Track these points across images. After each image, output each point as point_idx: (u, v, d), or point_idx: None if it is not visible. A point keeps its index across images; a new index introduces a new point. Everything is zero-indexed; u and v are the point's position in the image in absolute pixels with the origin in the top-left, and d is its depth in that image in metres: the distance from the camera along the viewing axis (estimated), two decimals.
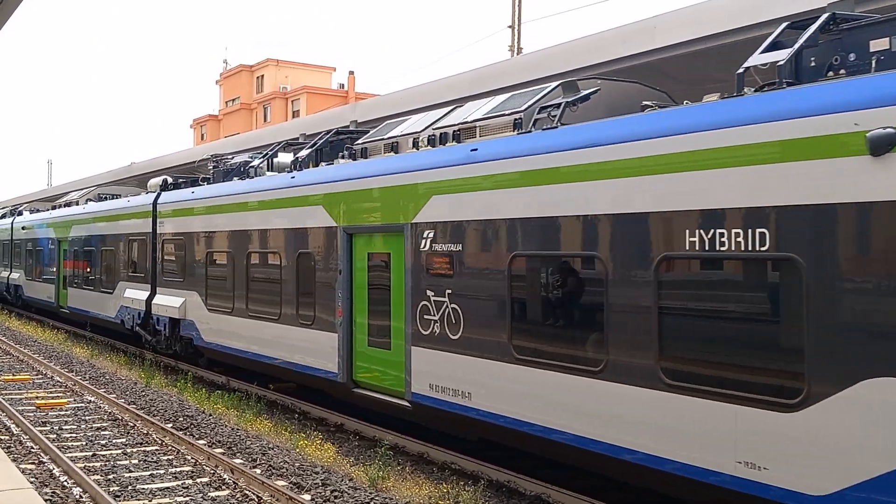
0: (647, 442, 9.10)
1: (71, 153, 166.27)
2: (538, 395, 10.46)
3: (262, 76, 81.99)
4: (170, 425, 15.04)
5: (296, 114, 74.23)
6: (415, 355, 12.61)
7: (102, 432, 14.84)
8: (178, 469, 12.35)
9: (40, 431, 14.47)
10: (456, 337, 11.80)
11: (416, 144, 13.51)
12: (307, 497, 10.82)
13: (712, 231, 8.40)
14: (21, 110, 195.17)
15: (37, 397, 18.19)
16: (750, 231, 8.07)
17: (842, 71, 8.40)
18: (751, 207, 8.04)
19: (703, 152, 8.48)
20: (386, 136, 14.42)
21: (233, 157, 21.13)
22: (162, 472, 12.17)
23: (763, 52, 8.95)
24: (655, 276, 8.98)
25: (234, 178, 19.54)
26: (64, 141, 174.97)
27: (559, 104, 11.05)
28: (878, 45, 8.21)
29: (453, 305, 11.87)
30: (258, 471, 12.07)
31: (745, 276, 8.33)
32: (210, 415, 16.09)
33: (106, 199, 30.62)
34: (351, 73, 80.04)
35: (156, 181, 24.18)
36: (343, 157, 15.50)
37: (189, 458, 12.94)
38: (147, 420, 15.27)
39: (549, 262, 10.51)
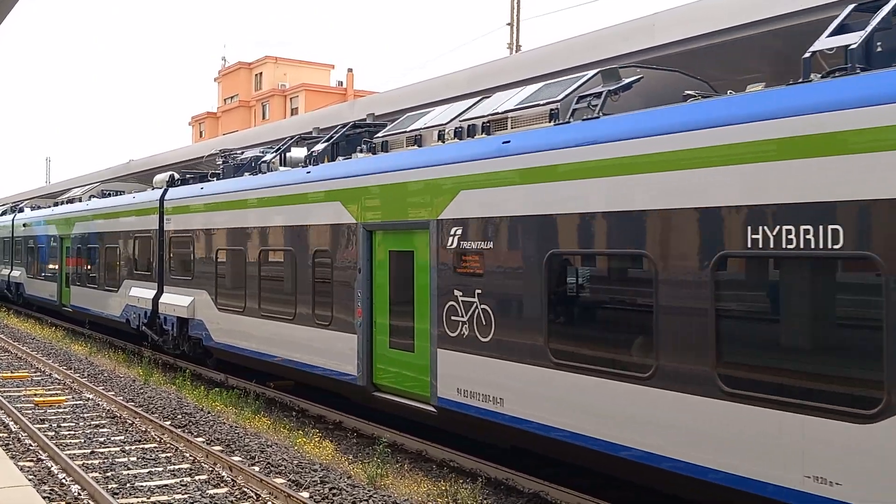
0: (701, 453, 8.43)
1: (69, 150, 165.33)
2: (578, 402, 9.78)
3: (261, 73, 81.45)
4: (168, 423, 14.87)
5: (294, 111, 73.66)
6: (441, 358, 11.91)
7: (101, 430, 14.66)
8: (176, 466, 12.19)
9: (38, 429, 14.26)
10: (486, 339, 11.12)
11: (441, 137, 12.78)
12: (306, 495, 10.67)
13: (779, 228, 7.73)
14: (19, 107, 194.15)
15: (35, 394, 17.95)
16: (821, 228, 7.40)
17: None
18: (825, 202, 7.37)
19: (779, 142, 7.78)
20: (408, 129, 13.68)
21: (242, 153, 20.37)
22: (160, 469, 12.02)
23: (830, 35, 8.32)
24: (712, 275, 8.31)
25: (245, 174, 18.75)
26: (62, 138, 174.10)
27: (600, 93, 10.38)
28: None
29: (483, 306, 11.20)
30: (256, 468, 11.93)
31: (816, 276, 7.62)
32: (208, 412, 15.88)
33: (109, 195, 29.77)
34: (349, 70, 79.72)
35: (162, 177, 23.36)
36: (361, 152, 14.79)
37: (187, 455, 12.76)
38: (145, 417, 15.08)
39: (591, 261, 9.82)
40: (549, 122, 10.92)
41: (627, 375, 9.21)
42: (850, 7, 8.51)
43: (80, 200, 31.25)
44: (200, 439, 13.78)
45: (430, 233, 12.15)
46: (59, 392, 18.34)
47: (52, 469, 12.04)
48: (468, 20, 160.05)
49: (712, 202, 8.31)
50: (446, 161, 11.93)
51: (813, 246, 7.46)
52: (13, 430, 14.45)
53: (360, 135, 15.81)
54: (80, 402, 17.18)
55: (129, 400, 17.13)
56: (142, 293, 22.85)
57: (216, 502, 10.62)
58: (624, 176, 9.21)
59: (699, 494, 8.74)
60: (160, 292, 21.85)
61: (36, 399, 17.24)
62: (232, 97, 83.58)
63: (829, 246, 7.35)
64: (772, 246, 7.79)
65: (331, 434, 14.69)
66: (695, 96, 9.91)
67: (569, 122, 10.42)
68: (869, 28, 7.98)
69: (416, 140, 13.38)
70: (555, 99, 11.00)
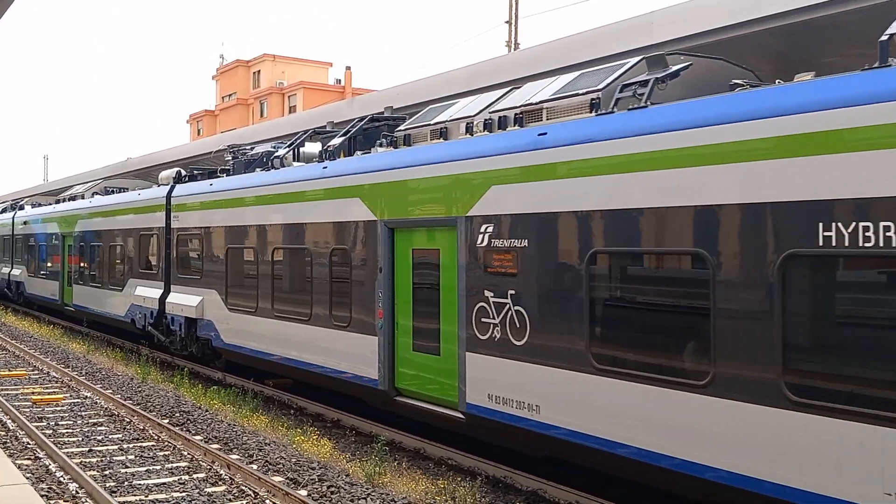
0: (764, 467, 7.76)
1: (67, 148, 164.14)
2: (623, 411, 9.08)
3: (259, 71, 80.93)
4: (166, 421, 14.69)
5: (292, 109, 73.21)
6: (470, 362, 11.22)
7: (99, 428, 14.48)
8: (174, 465, 12.09)
9: (36, 427, 14.11)
10: (521, 343, 10.45)
11: (469, 130, 12.05)
12: (304, 493, 10.54)
13: (854, 224, 7.10)
14: (17, 105, 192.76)
15: (33, 393, 17.72)
16: None
17: None
18: None
19: (855, 132, 7.10)
20: (432, 122, 12.95)
21: (252, 148, 19.59)
22: (158, 467, 11.90)
23: None
24: (779, 276, 7.67)
25: (257, 170, 17.97)
26: (60, 136, 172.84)
27: (645, 81, 9.72)
28: None
29: (517, 308, 10.52)
30: (255, 466, 11.80)
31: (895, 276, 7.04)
32: (206, 410, 15.71)
33: (112, 192, 28.90)
34: (348, 68, 79.21)
35: (168, 173, 22.50)
36: (381, 146, 14.10)
37: (185, 453, 12.63)
38: (143, 416, 14.90)
39: (639, 260, 9.11)
40: (590, 112, 10.22)
41: (680, 383, 8.53)
42: None
43: (83, 198, 30.33)
44: (198, 437, 13.59)
45: (457, 230, 11.46)
46: (56, 390, 18.09)
47: (50, 467, 11.86)
48: (466, 19, 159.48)
49: (778, 197, 7.66)
50: (476, 155, 11.24)
51: (894, 244, 6.83)
52: (11, 428, 14.22)
53: (378, 128, 15.11)
54: (78, 400, 16.95)
55: (127, 398, 16.89)
56: (148, 292, 22.01)
57: (214, 500, 10.47)
58: (678, 169, 8.50)
59: None
60: (167, 292, 21.03)
61: (34, 397, 16.96)
62: (230, 95, 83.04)
63: None
64: (846, 244, 7.15)
65: (329, 432, 14.49)
66: (743, 85, 9.28)
67: (613, 112, 9.75)
68: None
69: (442, 133, 12.66)
70: (595, 88, 10.31)
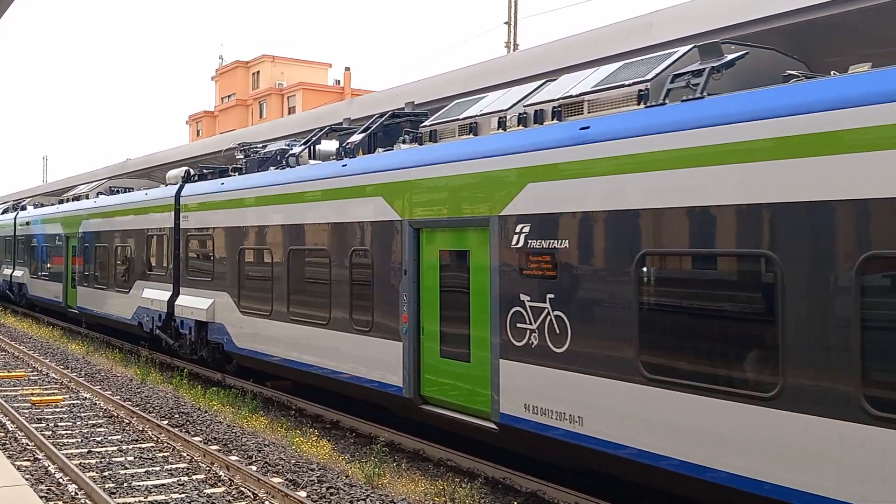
0: (837, 485, 7.09)
1: (66, 149, 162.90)
2: (676, 423, 8.42)
3: (258, 72, 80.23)
4: (165, 422, 14.53)
5: (291, 110, 72.58)
6: (504, 370, 10.51)
7: (98, 429, 14.34)
8: (173, 466, 11.97)
9: (36, 428, 13.95)
10: (561, 350, 9.77)
11: (502, 124, 11.35)
12: (303, 494, 10.43)
13: None
14: (16, 106, 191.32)
15: (32, 394, 17.55)
16: None
17: None
18: None
19: None
20: (461, 117, 12.22)
21: (265, 146, 18.85)
22: (157, 468, 11.80)
23: None
24: (858, 279, 7.03)
25: (271, 168, 17.20)
26: (59, 137, 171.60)
27: (699, 70, 9.06)
28: None
29: (557, 312, 9.84)
30: (254, 468, 11.69)
31: None
32: (206, 412, 15.54)
33: (117, 192, 28.02)
34: (347, 69, 78.50)
35: (176, 172, 21.65)
36: (404, 142, 13.39)
37: (184, 454, 12.50)
38: (142, 417, 14.73)
39: (696, 262, 8.40)
40: (638, 104, 9.54)
41: (743, 395, 7.86)
42: None
43: (87, 198, 29.43)
44: (197, 438, 13.44)
45: (490, 230, 10.78)
46: (56, 391, 17.89)
47: (50, 468, 11.74)
48: (465, 19, 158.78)
49: (857, 195, 7.01)
50: (510, 151, 10.56)
51: None
52: (10, 429, 14.06)
53: (399, 125, 14.40)
54: (78, 401, 16.76)
55: (127, 399, 16.69)
56: (156, 295, 21.19)
57: (213, 501, 10.35)
58: (741, 164, 7.83)
59: None
60: (176, 294, 20.23)
61: (33, 398, 16.76)
62: (229, 96, 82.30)
63: None
64: None
65: (328, 433, 14.34)
66: (798, 76, 8.65)
67: (664, 104, 9.09)
68: None
69: (471, 128, 11.94)
70: (644, 78, 9.60)
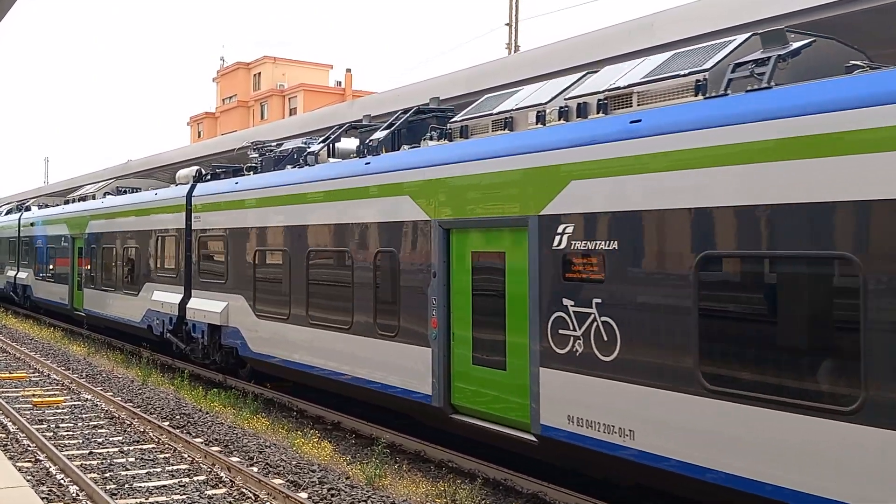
0: None
1: (67, 150, 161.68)
2: (740, 438, 7.71)
3: (259, 74, 79.50)
4: (166, 423, 14.45)
5: (293, 111, 71.87)
6: (545, 379, 9.79)
7: (99, 430, 14.23)
8: (174, 467, 11.90)
9: (37, 429, 13.85)
10: (609, 358, 9.07)
11: (541, 119, 10.63)
12: (304, 495, 10.36)
13: None
14: (18, 107, 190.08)
15: (33, 395, 17.40)
16: None
17: None
18: None
19: None
20: (495, 111, 11.50)
21: (281, 144, 18.04)
22: (158, 470, 11.70)
23: None
24: None
25: (287, 167, 16.40)
26: (60, 138, 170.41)
27: (763, 59, 8.35)
28: None
29: (605, 318, 9.14)
30: (255, 469, 11.61)
31: None
32: (207, 413, 15.42)
33: (125, 192, 27.19)
34: (348, 70, 77.66)
35: (187, 172, 20.83)
36: (432, 139, 12.69)
37: (186, 456, 12.41)
38: (144, 418, 14.62)
39: (763, 265, 7.69)
40: (696, 95, 8.84)
41: (818, 409, 7.18)
42: None
43: (94, 198, 28.54)
44: (199, 440, 13.34)
45: (528, 231, 10.07)
46: (57, 392, 17.74)
47: (51, 469, 11.67)
48: (466, 21, 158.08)
49: None
50: (551, 146, 9.85)
51: None
52: (11, 430, 13.95)
53: (425, 121, 13.68)
54: (79, 402, 16.63)
55: (128, 400, 16.58)
56: (166, 297, 20.38)
57: (214, 503, 10.27)
58: (822, 159, 7.15)
59: None
60: (187, 297, 19.42)
61: (34, 399, 16.61)
62: (230, 97, 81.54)
63: None
64: None
65: (329, 434, 14.22)
66: (862, 67, 7.97)
67: (727, 95, 8.41)
68: None
69: (507, 123, 11.22)
70: (701, 68, 8.88)
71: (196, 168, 20.75)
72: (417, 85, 20.37)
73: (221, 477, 11.28)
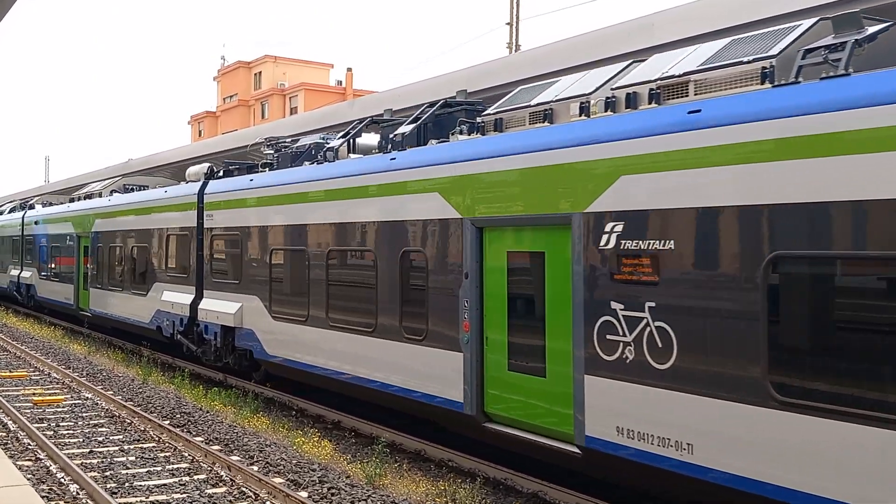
0: None
1: (68, 149, 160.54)
2: (818, 454, 7.01)
3: (260, 73, 78.78)
4: (167, 422, 14.31)
5: (293, 111, 71.21)
6: (590, 387, 9.08)
7: (99, 429, 14.11)
8: (174, 466, 11.79)
9: (37, 428, 13.72)
10: (664, 366, 8.36)
11: (584, 110, 9.92)
12: (304, 494, 10.26)
13: None
14: (18, 106, 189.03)
15: (34, 394, 17.21)
16: None
17: None
18: None
19: None
20: (532, 103, 10.77)
21: (297, 140, 17.24)
22: (159, 468, 11.61)
23: None
24: None
25: (305, 163, 15.64)
26: (61, 137, 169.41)
27: (840, 44, 7.69)
28: None
29: (659, 323, 8.43)
30: (255, 468, 11.52)
31: None
32: (207, 411, 15.26)
33: (132, 190, 26.36)
34: (349, 69, 76.99)
35: (197, 169, 20.03)
36: (461, 133, 11.95)
37: (186, 454, 12.29)
38: (144, 417, 14.48)
39: (844, 267, 6.99)
40: (762, 83, 8.13)
41: None
42: None
43: (100, 196, 27.65)
44: (199, 438, 13.22)
45: (572, 229, 9.35)
46: (57, 391, 17.54)
47: (51, 468, 11.57)
48: (467, 20, 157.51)
49: None
50: (598, 139, 9.14)
51: None
52: (12, 429, 13.83)
53: (453, 114, 12.96)
54: (79, 401, 16.45)
55: (128, 399, 16.42)
56: (177, 298, 19.57)
57: (215, 502, 10.16)
58: None
59: None
60: (199, 297, 18.63)
61: (34, 398, 16.41)
62: (231, 96, 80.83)
63: None
64: None
65: (329, 433, 14.10)
66: None
67: (798, 83, 7.74)
68: None
69: (546, 115, 10.51)
70: (767, 54, 8.17)
71: (208, 165, 19.97)
72: (446, 76, 19.66)
73: (222, 476, 11.14)
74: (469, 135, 11.76)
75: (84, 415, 15.18)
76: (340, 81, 76.69)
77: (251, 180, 16.77)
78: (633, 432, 8.63)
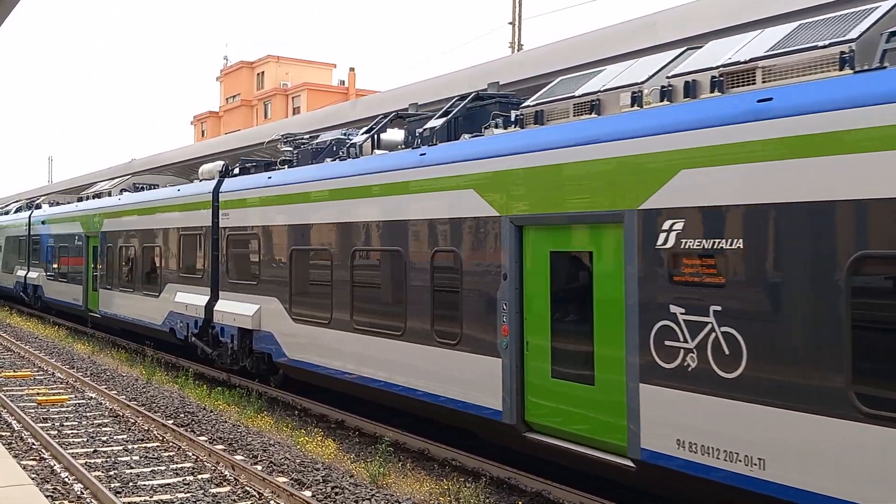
0: None
1: (71, 150, 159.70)
2: None
3: (263, 73, 78.19)
4: (171, 422, 14.27)
5: (296, 110, 70.69)
6: (646, 397, 8.40)
7: (103, 429, 14.07)
8: (178, 465, 11.74)
9: (41, 428, 13.65)
10: (732, 375, 7.68)
11: (636, 100, 9.24)
12: (308, 493, 10.21)
13: None
14: (22, 107, 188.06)
15: (38, 394, 17.14)
16: None
17: None
18: None
19: None
20: (577, 94, 10.08)
21: (317, 136, 16.50)
22: (163, 468, 11.55)
23: None
24: None
25: (326, 160, 14.93)
26: (64, 137, 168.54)
27: None
28: None
29: (726, 329, 7.75)
30: (259, 467, 11.45)
31: None
32: (211, 411, 15.17)
33: (142, 188, 25.62)
34: (351, 69, 76.40)
35: (211, 167, 19.30)
36: (498, 126, 11.32)
37: (190, 454, 12.24)
38: (148, 416, 14.43)
39: None
40: (840, 69, 7.47)
41: None
42: None
43: (110, 195, 26.90)
44: (203, 438, 13.17)
45: (624, 227, 8.68)
46: (61, 391, 17.48)
47: (55, 468, 11.53)
48: (469, 19, 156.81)
49: None
50: (654, 131, 8.44)
51: None
52: (16, 428, 13.81)
53: (485, 107, 12.28)
54: (83, 401, 16.39)
55: (132, 399, 16.40)
56: (191, 299, 18.85)
57: (218, 501, 10.13)
58: None
59: None
60: (214, 298, 17.91)
61: (39, 398, 16.36)
62: (234, 96, 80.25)
63: None
64: None
65: (333, 433, 14.01)
66: None
67: (884, 68, 7.07)
68: None
69: (593, 107, 9.85)
70: (845, 38, 7.52)
71: (222, 162, 19.24)
72: (473, 69, 19.00)
73: (225, 475, 11.08)
74: (506, 128, 11.08)
75: (88, 414, 15.06)
76: (343, 81, 76.14)
77: (269, 178, 16.05)
78: (695, 445, 7.96)
